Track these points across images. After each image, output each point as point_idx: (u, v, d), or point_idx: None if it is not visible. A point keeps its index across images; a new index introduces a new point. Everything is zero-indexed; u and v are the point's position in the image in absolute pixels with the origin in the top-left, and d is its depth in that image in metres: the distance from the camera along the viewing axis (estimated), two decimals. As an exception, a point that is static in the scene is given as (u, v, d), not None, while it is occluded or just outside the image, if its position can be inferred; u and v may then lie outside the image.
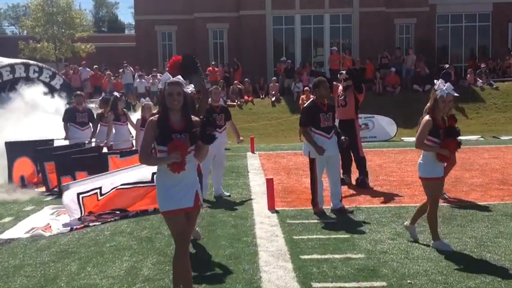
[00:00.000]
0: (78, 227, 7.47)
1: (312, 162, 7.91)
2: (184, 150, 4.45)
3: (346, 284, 5.06)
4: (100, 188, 8.01)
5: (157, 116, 4.64)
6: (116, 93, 12.69)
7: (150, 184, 7.92)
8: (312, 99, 8.08)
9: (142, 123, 10.27)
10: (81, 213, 7.78)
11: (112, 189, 8.06)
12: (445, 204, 8.27)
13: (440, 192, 6.35)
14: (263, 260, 5.84)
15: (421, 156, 6.21)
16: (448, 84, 6.10)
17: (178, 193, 4.51)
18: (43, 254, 6.31)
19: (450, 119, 7.28)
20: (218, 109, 9.36)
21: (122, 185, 8.10)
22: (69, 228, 7.40)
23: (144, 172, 8.02)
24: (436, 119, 5.99)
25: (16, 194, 10.07)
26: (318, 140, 7.78)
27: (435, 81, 6.23)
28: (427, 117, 6.02)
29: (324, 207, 8.03)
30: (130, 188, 8.14)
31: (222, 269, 5.57)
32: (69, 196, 7.79)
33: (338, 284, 5.06)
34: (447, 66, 26.99)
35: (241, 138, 10.02)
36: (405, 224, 6.59)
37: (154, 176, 4.95)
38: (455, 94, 6.14)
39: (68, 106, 13.42)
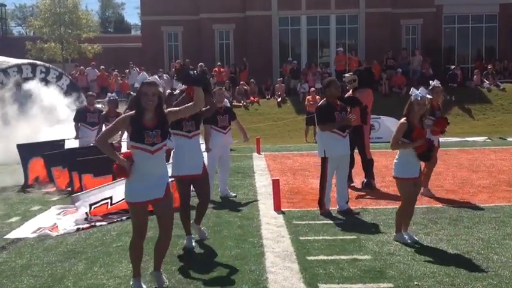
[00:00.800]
0: (84, 227, 7.49)
1: (324, 161, 7.87)
2: (126, 174, 4.84)
3: (353, 285, 5.05)
4: (111, 198, 8.03)
5: (130, 113, 4.90)
6: (111, 96, 12.74)
7: None
8: (324, 99, 8.06)
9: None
10: (89, 210, 7.80)
11: (122, 199, 8.06)
12: (448, 206, 8.24)
13: (414, 192, 6.46)
14: (269, 260, 5.83)
15: (396, 156, 6.42)
16: (421, 87, 6.41)
17: (144, 186, 4.83)
18: (50, 253, 6.33)
19: (442, 120, 7.54)
20: (222, 110, 9.36)
21: None
22: (76, 228, 7.42)
23: None
24: (411, 122, 6.23)
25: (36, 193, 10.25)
26: (330, 139, 7.76)
27: (430, 82, 6.55)
28: (402, 120, 6.32)
29: (330, 208, 8.01)
30: None
31: (229, 270, 5.57)
32: (81, 204, 7.81)
33: (345, 285, 5.05)
34: (453, 67, 26.96)
35: (248, 137, 10.03)
36: (393, 236, 6.56)
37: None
38: (429, 96, 6.57)
39: (79, 106, 13.51)
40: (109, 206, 8.00)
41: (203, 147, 8.07)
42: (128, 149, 4.99)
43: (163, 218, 5.03)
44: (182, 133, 6.48)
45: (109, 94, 12.65)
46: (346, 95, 10.02)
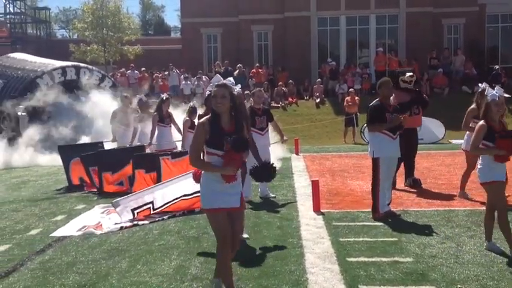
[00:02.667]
0: (127, 225, 7.64)
1: (376, 163, 7.66)
2: (239, 164, 4.56)
3: (394, 288, 5.01)
4: (152, 203, 8.12)
5: (207, 117, 4.65)
6: (162, 95, 12.89)
7: (194, 195, 8.00)
8: (377, 99, 7.92)
9: (191, 124, 10.41)
10: (133, 217, 7.94)
11: (163, 205, 8.19)
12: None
13: (504, 195, 6.07)
14: (309, 261, 5.83)
15: (479, 161, 6.10)
16: (497, 87, 6.04)
17: (223, 192, 4.58)
18: (94, 251, 6.48)
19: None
20: (260, 111, 9.39)
21: (172, 200, 8.21)
22: (119, 226, 7.58)
23: (188, 184, 8.00)
24: (490, 124, 5.90)
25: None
26: (381, 140, 7.61)
27: (479, 84, 6.20)
28: (481, 122, 5.96)
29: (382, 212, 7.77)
30: (178, 201, 8.26)
31: (269, 270, 5.58)
32: (123, 210, 7.97)
33: (386, 288, 5.02)
34: (497, 67, 26.34)
35: (285, 138, 10.05)
36: (485, 246, 6.19)
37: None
38: (506, 95, 6.12)
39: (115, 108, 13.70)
40: (152, 212, 8.12)
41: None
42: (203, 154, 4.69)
43: (234, 227, 4.72)
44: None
45: (137, 96, 12.78)
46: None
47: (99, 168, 10.33)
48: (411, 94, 9.94)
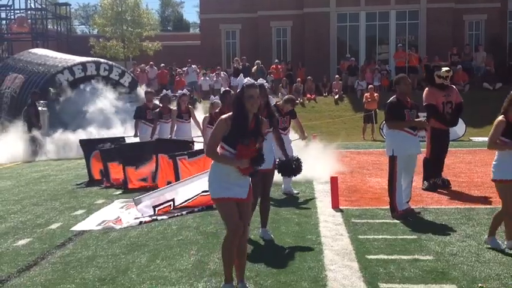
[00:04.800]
0: (146, 220, 7.68)
1: (393, 161, 7.51)
2: (252, 155, 4.63)
3: (415, 286, 4.95)
4: (173, 200, 8.18)
5: (229, 114, 4.71)
6: (180, 91, 12.97)
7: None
8: (394, 95, 7.76)
9: (210, 120, 10.42)
10: (154, 214, 7.99)
11: (184, 201, 8.24)
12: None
13: None
14: (328, 258, 5.81)
15: (495, 157, 5.99)
16: None
17: (232, 183, 4.68)
18: (114, 246, 6.53)
19: None
20: (284, 111, 9.36)
21: (192, 197, 8.25)
22: (138, 221, 7.62)
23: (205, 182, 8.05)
24: (510, 120, 5.79)
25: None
26: (401, 137, 7.44)
27: None
28: (500, 117, 5.86)
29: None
30: (198, 197, 8.29)
31: (287, 266, 5.57)
32: (144, 207, 8.02)
33: (406, 286, 4.97)
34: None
35: (306, 135, 10.03)
36: (484, 239, 6.20)
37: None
38: None
39: (138, 104, 13.85)
40: (171, 209, 8.16)
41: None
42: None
43: (242, 218, 4.77)
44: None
45: (164, 91, 12.88)
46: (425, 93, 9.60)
47: (123, 163, 10.39)
48: (446, 91, 9.51)
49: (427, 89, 9.70)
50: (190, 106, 12.26)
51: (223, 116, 4.73)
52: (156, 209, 8.01)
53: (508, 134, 5.79)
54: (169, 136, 11.35)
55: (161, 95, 12.46)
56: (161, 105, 12.16)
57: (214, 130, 4.73)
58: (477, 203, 8.37)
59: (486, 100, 19.79)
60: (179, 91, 13.22)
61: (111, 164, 10.89)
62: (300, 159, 6.89)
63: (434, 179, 9.53)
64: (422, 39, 29.56)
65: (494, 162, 5.99)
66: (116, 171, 10.85)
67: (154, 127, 11.98)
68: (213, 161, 4.79)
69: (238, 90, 4.86)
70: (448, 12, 29.15)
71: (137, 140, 12.59)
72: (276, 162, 6.76)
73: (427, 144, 9.65)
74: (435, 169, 9.60)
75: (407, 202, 7.72)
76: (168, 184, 9.07)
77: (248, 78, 5.20)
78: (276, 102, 9.67)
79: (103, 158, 10.96)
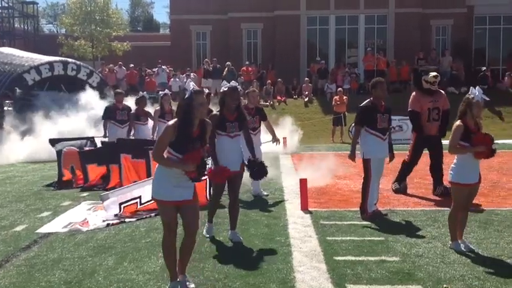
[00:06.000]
0: (114, 222, 7.60)
1: (367, 163, 7.60)
2: (199, 161, 4.74)
3: (381, 287, 5.01)
4: (140, 197, 8.09)
5: (175, 121, 4.81)
6: (162, 91, 12.92)
7: None
8: (369, 99, 7.77)
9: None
10: (119, 212, 7.90)
11: (150, 200, 8.14)
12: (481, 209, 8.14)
13: (467, 199, 6.16)
14: (297, 260, 5.84)
15: (455, 160, 6.13)
16: (478, 88, 6.10)
17: (176, 186, 4.81)
18: (81, 248, 6.44)
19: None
20: (253, 111, 9.36)
21: None
22: (106, 223, 7.53)
23: None
24: (467, 124, 5.95)
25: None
26: (371, 141, 7.52)
27: (471, 88, 6.12)
28: (458, 122, 6.00)
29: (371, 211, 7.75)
30: None
31: (256, 268, 5.58)
32: (110, 204, 7.92)
33: (373, 287, 5.03)
34: (484, 69, 26.56)
35: (277, 138, 10.03)
36: (449, 244, 6.26)
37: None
38: (487, 99, 6.22)
39: (108, 104, 13.67)
40: (139, 206, 8.08)
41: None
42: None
43: (187, 219, 4.99)
44: (225, 134, 6.64)
45: (140, 93, 12.79)
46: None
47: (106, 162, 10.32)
48: (433, 96, 9.36)
49: (414, 93, 9.56)
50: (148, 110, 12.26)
51: (171, 123, 4.85)
52: (122, 206, 7.91)
53: (466, 138, 5.92)
54: (152, 137, 11.24)
55: (137, 96, 12.33)
56: (136, 107, 12.05)
57: (162, 135, 4.88)
58: (443, 205, 8.49)
59: (452, 104, 20.07)
60: (160, 92, 13.11)
61: (90, 166, 10.72)
62: (263, 163, 7.00)
63: (441, 187, 9.22)
64: (391, 43, 30.01)
65: (452, 165, 6.14)
66: (95, 173, 10.70)
67: (129, 129, 11.91)
68: (158, 164, 4.91)
69: (186, 96, 4.89)
70: (416, 17, 29.65)
71: (106, 140, 12.43)
72: (245, 163, 6.81)
73: (410, 148, 9.66)
74: (435, 178, 9.38)
75: (375, 204, 7.83)
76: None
77: (193, 84, 5.43)
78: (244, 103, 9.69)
79: (82, 160, 10.79)
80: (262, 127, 9.79)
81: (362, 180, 7.79)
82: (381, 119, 7.54)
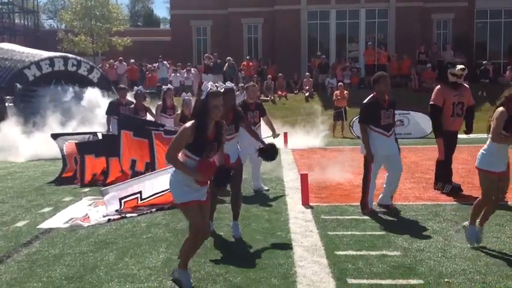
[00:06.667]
0: (115, 217, 7.60)
1: (367, 160, 7.54)
2: (212, 173, 4.79)
3: (382, 281, 5.02)
4: (140, 193, 8.09)
5: (192, 123, 4.72)
6: (165, 86, 12.91)
7: None
8: (372, 95, 7.59)
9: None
10: (120, 207, 7.90)
11: (152, 195, 8.16)
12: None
13: (496, 187, 5.91)
14: (298, 255, 5.84)
15: (486, 146, 5.89)
16: None
17: (192, 188, 4.79)
18: (82, 244, 6.44)
19: None
20: (252, 106, 9.35)
21: (161, 191, 8.15)
22: (107, 219, 7.54)
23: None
24: (510, 113, 5.70)
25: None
26: (376, 138, 7.38)
27: None
28: (501, 108, 5.76)
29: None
30: (166, 193, 8.11)
31: (257, 263, 5.58)
32: (111, 199, 7.92)
33: (374, 281, 5.03)
34: (485, 62, 26.50)
35: (277, 133, 10.01)
36: (463, 225, 6.22)
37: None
38: None
39: (111, 99, 13.65)
40: (139, 201, 8.09)
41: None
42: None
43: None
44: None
45: (135, 88, 12.75)
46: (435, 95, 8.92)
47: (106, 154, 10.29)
48: (458, 90, 8.85)
49: (438, 86, 9.04)
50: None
51: (188, 125, 4.74)
52: (123, 201, 7.91)
53: (507, 127, 5.69)
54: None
55: (134, 92, 12.31)
56: (135, 102, 12.04)
57: (178, 137, 4.76)
58: (444, 200, 8.51)
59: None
60: (164, 86, 13.10)
61: (87, 157, 10.69)
62: (273, 144, 7.12)
63: (447, 185, 9.00)
64: (392, 37, 29.96)
65: (483, 151, 5.91)
66: (91, 165, 10.67)
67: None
68: (174, 170, 4.87)
69: (202, 97, 4.82)
70: (417, 11, 29.59)
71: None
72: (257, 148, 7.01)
73: (439, 146, 9.06)
74: (447, 171, 9.05)
75: (391, 198, 7.70)
76: (132, 162, 9.28)
77: (211, 83, 5.11)
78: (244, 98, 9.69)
79: (80, 151, 10.78)
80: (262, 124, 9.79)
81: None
82: (384, 115, 7.40)
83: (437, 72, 9.27)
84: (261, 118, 9.57)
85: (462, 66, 8.75)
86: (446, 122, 8.83)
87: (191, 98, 10.21)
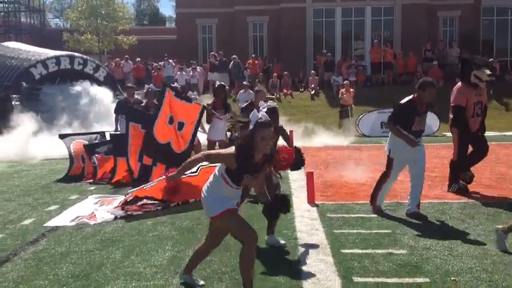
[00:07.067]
0: (121, 215, 7.61)
1: (390, 161, 7.35)
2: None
3: (388, 280, 5.01)
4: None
5: (235, 151, 4.39)
6: (147, 86, 12.97)
7: (194, 174, 7.94)
8: (411, 97, 7.13)
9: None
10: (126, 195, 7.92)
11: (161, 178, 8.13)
12: (486, 201, 8.10)
13: None
14: (303, 253, 5.84)
15: None
16: None
17: (226, 198, 4.58)
18: (88, 242, 6.46)
19: None
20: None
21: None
22: (113, 217, 7.55)
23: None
24: None
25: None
26: (401, 142, 7.04)
27: None
28: None
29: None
30: (156, 184, 8.17)
31: (263, 261, 5.58)
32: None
33: (380, 279, 5.01)
34: (491, 60, 26.36)
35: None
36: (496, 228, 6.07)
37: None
38: None
39: (119, 98, 13.66)
40: (146, 187, 8.08)
41: None
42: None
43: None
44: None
45: (146, 86, 12.79)
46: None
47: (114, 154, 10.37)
48: (477, 89, 8.57)
49: (459, 85, 8.76)
50: None
51: (232, 152, 4.41)
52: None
53: None
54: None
55: (145, 90, 12.35)
56: (145, 100, 12.05)
57: (223, 156, 4.49)
58: (450, 198, 8.48)
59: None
60: (146, 86, 13.18)
61: (97, 157, 10.76)
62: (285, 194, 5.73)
63: (454, 184, 8.90)
64: (397, 35, 29.85)
65: None
66: (102, 163, 10.72)
67: None
68: (208, 182, 4.65)
69: (250, 127, 4.45)
70: (423, 9, 29.47)
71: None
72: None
73: (454, 147, 8.94)
74: (459, 172, 8.89)
75: (418, 206, 7.34)
76: (140, 155, 9.69)
77: (263, 113, 4.72)
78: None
79: (88, 152, 10.84)
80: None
81: (375, 173, 7.59)
82: (418, 121, 7.04)
83: (459, 69, 8.76)
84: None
85: (489, 73, 8.46)
86: (468, 122, 8.61)
87: (197, 97, 10.29)
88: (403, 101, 7.17)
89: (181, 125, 10.15)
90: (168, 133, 10.05)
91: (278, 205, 5.32)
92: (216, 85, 11.55)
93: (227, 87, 12.17)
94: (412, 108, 7.04)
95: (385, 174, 7.48)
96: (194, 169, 7.91)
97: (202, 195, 4.67)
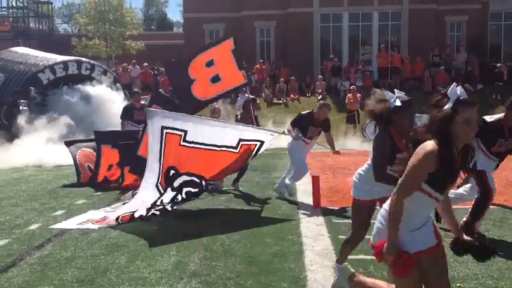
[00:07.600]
0: (125, 215, 7.55)
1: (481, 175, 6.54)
2: (410, 272, 3.39)
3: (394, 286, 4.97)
4: (185, 132, 7.82)
5: (435, 148, 3.12)
6: (136, 89, 13.04)
7: (233, 150, 7.80)
8: (499, 117, 6.36)
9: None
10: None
11: (194, 143, 7.84)
12: (493, 207, 8.05)
13: None
14: (309, 259, 5.82)
15: None
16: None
17: (423, 232, 3.51)
18: (94, 246, 6.48)
19: None
20: (318, 122, 9.21)
21: (205, 144, 7.82)
22: (115, 216, 7.55)
23: (231, 136, 7.86)
24: None
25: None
26: (486, 162, 6.47)
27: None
28: None
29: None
30: (214, 150, 7.87)
31: (268, 267, 5.57)
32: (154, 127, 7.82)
33: (385, 285, 4.99)
34: (499, 65, 26.26)
35: (337, 149, 9.73)
36: None
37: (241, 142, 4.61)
38: None
39: (126, 103, 13.71)
40: (181, 142, 7.92)
41: None
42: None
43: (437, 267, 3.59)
44: None
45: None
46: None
47: (121, 164, 10.34)
48: None
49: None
50: None
51: (430, 147, 3.15)
52: (165, 131, 7.89)
53: None
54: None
55: (152, 95, 12.41)
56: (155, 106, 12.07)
57: (417, 166, 3.17)
58: (455, 203, 8.41)
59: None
60: (135, 89, 13.23)
61: (104, 148, 10.74)
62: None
63: None
64: (405, 40, 29.80)
65: None
66: (108, 155, 10.71)
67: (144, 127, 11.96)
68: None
69: (446, 107, 3.15)
70: (430, 14, 29.41)
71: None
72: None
73: None
74: None
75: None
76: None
77: (460, 88, 3.21)
78: (312, 110, 9.45)
79: (97, 141, 10.88)
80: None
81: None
82: (500, 144, 6.39)
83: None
84: (323, 133, 9.43)
85: None
86: None
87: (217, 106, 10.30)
88: (488, 119, 6.33)
89: (216, 79, 9.88)
90: (198, 71, 9.85)
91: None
92: (246, 99, 11.42)
93: (258, 101, 12.03)
94: (498, 129, 6.31)
95: (484, 194, 6.57)
96: (234, 144, 7.80)
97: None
